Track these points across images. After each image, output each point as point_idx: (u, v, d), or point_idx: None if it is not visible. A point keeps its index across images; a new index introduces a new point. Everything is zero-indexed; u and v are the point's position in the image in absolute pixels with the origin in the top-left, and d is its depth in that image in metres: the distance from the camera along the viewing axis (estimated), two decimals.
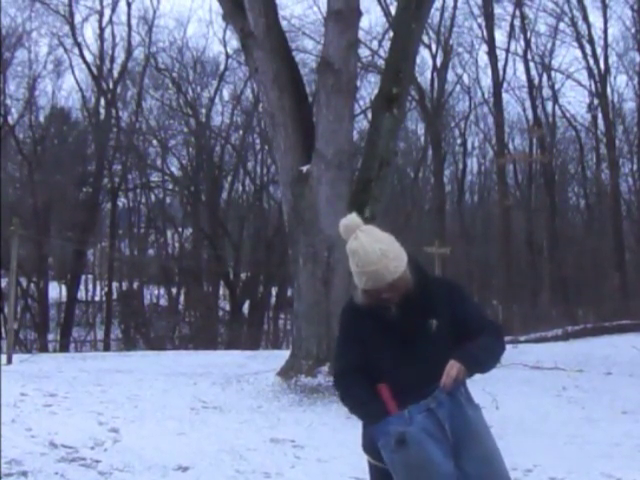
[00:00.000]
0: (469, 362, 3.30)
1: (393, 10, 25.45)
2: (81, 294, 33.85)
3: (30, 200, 29.98)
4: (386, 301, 3.44)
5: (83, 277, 33.54)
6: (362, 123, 27.66)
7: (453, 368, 3.26)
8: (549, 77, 34.10)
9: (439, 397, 3.29)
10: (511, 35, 32.50)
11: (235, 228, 34.73)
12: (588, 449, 7.63)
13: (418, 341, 3.44)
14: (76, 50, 32.18)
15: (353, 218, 3.52)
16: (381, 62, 26.29)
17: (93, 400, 8.94)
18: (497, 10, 31.01)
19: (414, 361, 3.41)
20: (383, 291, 3.40)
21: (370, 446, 3.51)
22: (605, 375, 12.42)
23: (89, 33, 49.54)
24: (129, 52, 33.01)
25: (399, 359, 3.44)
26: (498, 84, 31.31)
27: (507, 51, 32.62)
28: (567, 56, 56.10)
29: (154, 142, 34.57)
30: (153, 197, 36.43)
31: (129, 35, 32.90)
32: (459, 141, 36.71)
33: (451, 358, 3.28)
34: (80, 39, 32.17)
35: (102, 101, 33.41)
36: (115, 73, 33.31)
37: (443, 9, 31.04)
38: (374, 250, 3.38)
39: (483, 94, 34.60)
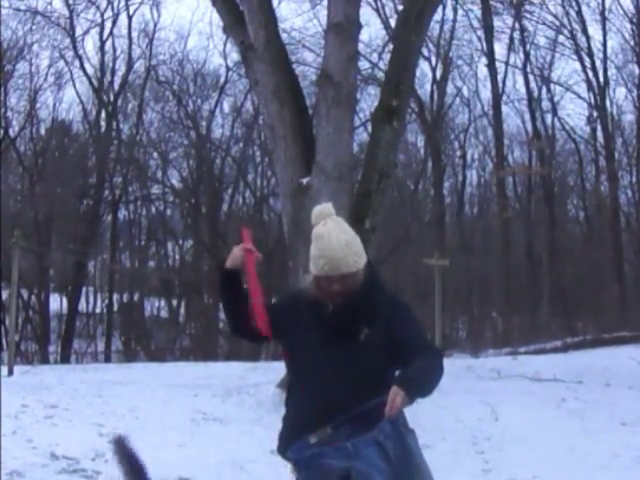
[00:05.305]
0: (412, 390, 3.14)
1: (393, 23, 25.58)
2: (82, 306, 33.77)
3: (31, 212, 30.01)
4: (331, 295, 3.42)
5: (84, 289, 33.47)
6: (362, 135, 27.65)
7: (398, 397, 3.09)
8: (548, 90, 34.16)
9: (385, 429, 3.20)
10: (510, 48, 32.57)
11: (235, 240, 34.43)
12: (587, 460, 7.65)
13: (345, 345, 3.40)
14: (77, 63, 32.22)
15: (328, 207, 3.57)
16: (381, 75, 26.32)
17: (94, 411, 8.96)
18: (497, 23, 31.07)
19: (334, 365, 3.36)
20: (334, 281, 3.39)
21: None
22: (604, 387, 12.41)
23: (90, 46, 49.50)
24: (130, 65, 33.06)
25: (321, 357, 3.41)
26: (497, 97, 31.38)
27: (506, 64, 32.69)
28: (566, 69, 55.96)
29: (155, 154, 34.59)
30: (154, 209, 36.43)
31: (130, 48, 32.97)
32: (459, 153, 36.68)
33: (394, 384, 3.13)
34: (81, 52, 32.19)
35: (103, 114, 33.45)
36: (116, 86, 33.36)
37: (443, 22, 31.10)
38: (339, 239, 3.40)
39: (483, 107, 34.60)
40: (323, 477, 3.16)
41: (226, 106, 35.18)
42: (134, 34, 33.23)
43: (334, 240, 3.40)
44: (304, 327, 3.50)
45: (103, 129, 33.37)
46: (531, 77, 33.43)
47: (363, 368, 3.33)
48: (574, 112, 48.66)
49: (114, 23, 32.83)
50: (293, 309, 3.59)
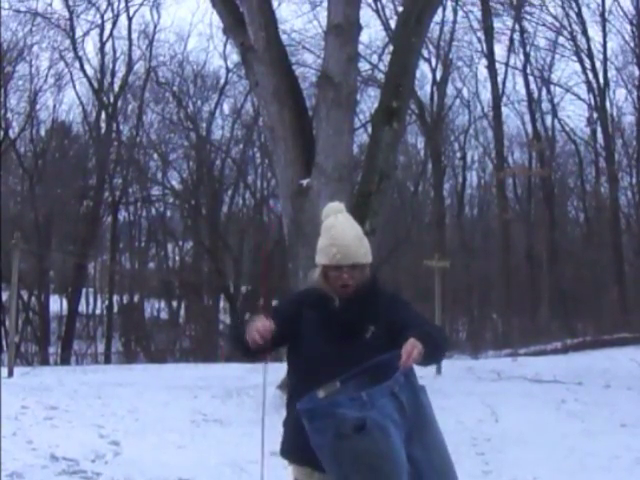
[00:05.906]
0: (429, 345, 3.08)
1: (393, 24, 25.59)
2: (82, 307, 33.80)
3: (31, 214, 30.04)
4: (339, 287, 3.42)
5: (84, 290, 33.48)
6: (362, 137, 27.70)
7: (416, 349, 3.02)
8: (548, 91, 34.21)
9: (400, 380, 3.12)
10: (510, 49, 32.59)
11: (235, 241, 34.76)
12: (587, 462, 7.65)
13: (351, 343, 3.37)
14: (77, 64, 32.24)
15: (340, 205, 3.68)
16: (381, 76, 26.32)
17: (94, 413, 8.97)
18: (497, 24, 31.06)
19: (342, 360, 3.29)
20: (344, 271, 3.39)
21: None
22: (604, 388, 12.43)
23: (90, 47, 49.65)
24: (130, 66, 33.09)
25: (327, 355, 3.37)
26: (497, 98, 31.35)
27: (506, 65, 32.70)
28: (566, 70, 55.93)
29: (155, 156, 34.61)
30: (154, 211, 36.46)
31: (130, 49, 33.02)
32: (459, 155, 36.74)
33: (410, 336, 3.07)
34: (81, 53, 32.23)
35: (103, 115, 33.48)
36: (116, 87, 33.39)
37: (443, 23, 31.08)
38: (350, 232, 3.50)
39: (483, 108, 34.65)
40: (336, 427, 3.03)
41: (226, 107, 35.29)
42: (134, 35, 33.33)
43: (347, 230, 3.50)
44: (308, 327, 3.49)
45: (103, 130, 33.38)
46: (531, 78, 33.50)
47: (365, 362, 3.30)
48: (574, 113, 48.78)
49: (114, 24, 32.92)
50: (296, 313, 3.56)
